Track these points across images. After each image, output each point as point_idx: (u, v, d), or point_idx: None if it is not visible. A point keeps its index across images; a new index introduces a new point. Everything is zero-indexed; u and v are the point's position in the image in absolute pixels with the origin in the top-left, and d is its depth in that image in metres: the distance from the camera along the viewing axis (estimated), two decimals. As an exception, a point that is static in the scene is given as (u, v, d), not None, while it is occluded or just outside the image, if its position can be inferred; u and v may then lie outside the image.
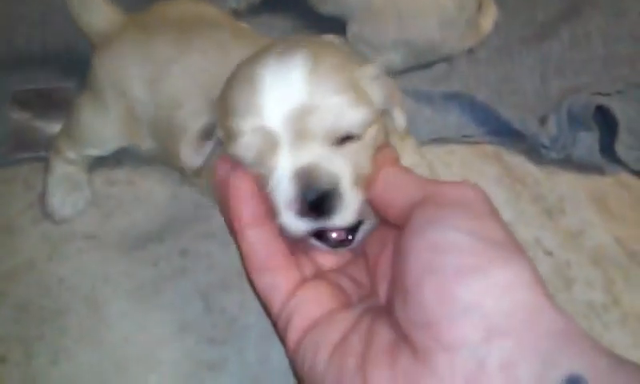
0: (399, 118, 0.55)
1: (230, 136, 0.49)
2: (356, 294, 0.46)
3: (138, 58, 0.85)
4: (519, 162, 1.01)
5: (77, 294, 0.86)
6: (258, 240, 0.44)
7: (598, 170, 0.99)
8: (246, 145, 0.48)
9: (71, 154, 0.93)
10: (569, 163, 1.00)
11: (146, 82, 0.84)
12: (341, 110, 0.47)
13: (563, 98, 1.01)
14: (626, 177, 1.00)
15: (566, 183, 0.99)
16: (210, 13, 0.92)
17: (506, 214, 0.95)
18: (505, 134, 1.02)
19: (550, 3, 1.21)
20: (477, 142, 1.03)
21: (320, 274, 0.47)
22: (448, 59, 1.11)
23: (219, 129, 0.53)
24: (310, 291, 0.44)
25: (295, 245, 0.48)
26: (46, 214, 0.93)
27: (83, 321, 0.84)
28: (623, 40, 1.13)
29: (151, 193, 0.95)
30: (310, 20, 1.16)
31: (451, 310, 0.33)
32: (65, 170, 0.93)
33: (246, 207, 0.45)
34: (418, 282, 0.35)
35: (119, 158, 0.97)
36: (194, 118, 0.79)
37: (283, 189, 0.47)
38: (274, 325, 0.45)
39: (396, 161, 0.48)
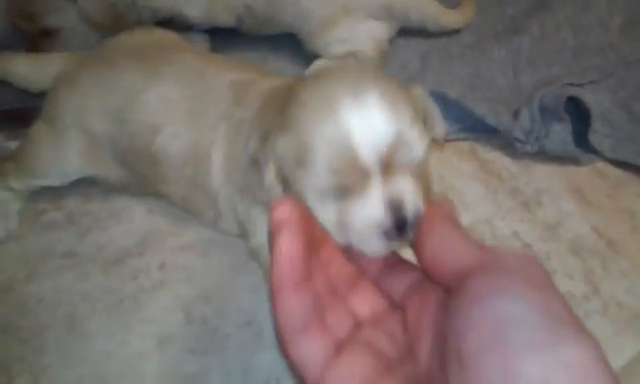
0: (441, 127, 0.64)
1: (308, 170, 0.55)
2: (394, 351, 0.44)
3: (101, 91, 0.85)
4: (495, 157, 1.02)
5: (56, 312, 0.85)
6: (295, 306, 0.42)
7: (574, 161, 1.00)
8: (329, 179, 0.54)
9: (15, 184, 0.92)
10: (544, 156, 1.00)
11: (113, 114, 0.84)
12: (417, 142, 0.54)
13: (536, 91, 1.02)
14: (601, 165, 1.01)
15: (542, 176, 0.99)
16: (167, 39, 0.92)
17: (484, 210, 0.95)
18: (479, 130, 1.02)
19: (520, -1, 1.22)
20: (451, 139, 1.03)
21: (355, 334, 0.45)
22: (422, 57, 1.12)
23: (287, 159, 0.58)
24: (345, 363, 0.41)
25: (328, 298, 0.47)
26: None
27: (63, 339, 0.83)
28: (593, 30, 1.14)
29: (127, 208, 0.95)
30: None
31: None
32: (1, 196, 0.93)
33: (287, 270, 0.42)
34: (478, 354, 0.33)
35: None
36: (174, 140, 0.82)
37: (376, 214, 0.53)
38: None
39: (448, 217, 0.46)
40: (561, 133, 0.98)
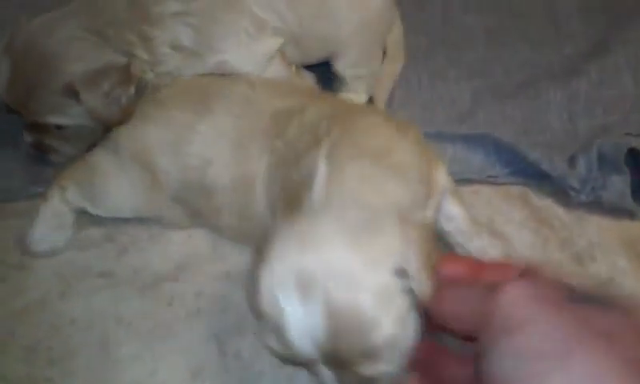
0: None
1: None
2: None
3: (160, 127, 0.86)
4: (546, 205, 0.97)
5: (88, 334, 0.83)
6: None
7: (629, 215, 0.95)
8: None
9: (73, 200, 0.90)
10: (598, 207, 0.96)
11: (170, 146, 0.85)
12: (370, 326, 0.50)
13: (593, 138, 0.97)
14: (658, 221, 0.96)
15: (595, 228, 0.95)
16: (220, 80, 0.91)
17: (534, 259, 0.91)
18: (531, 175, 0.98)
19: (577, 38, 1.18)
20: (502, 183, 0.99)
21: None
22: (473, 94, 1.08)
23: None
24: None
25: None
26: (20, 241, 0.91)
27: (93, 363, 0.81)
28: (654, 77, 1.09)
29: (167, 231, 0.92)
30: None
31: None
32: (59, 208, 0.90)
33: None
34: None
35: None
36: (225, 171, 0.81)
37: None
38: None
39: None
40: (618, 184, 0.93)
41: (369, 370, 0.50)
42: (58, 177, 0.91)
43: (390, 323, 0.49)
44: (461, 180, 0.98)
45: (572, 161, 0.96)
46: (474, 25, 1.20)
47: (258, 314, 0.54)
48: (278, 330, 0.51)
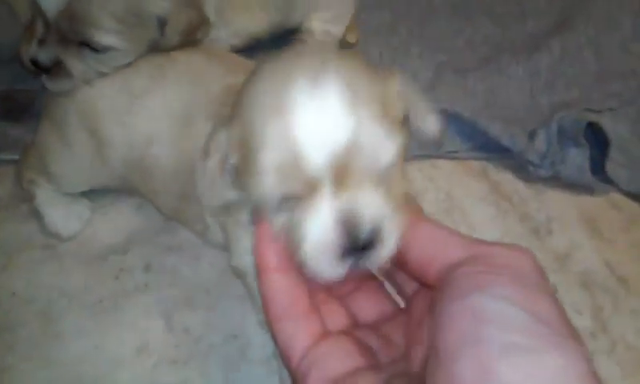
0: (433, 122, 0.52)
1: (252, 171, 0.44)
2: (386, 355, 0.41)
3: (114, 89, 0.79)
4: (506, 179, 0.96)
5: (30, 308, 0.80)
6: (282, 286, 0.41)
7: (588, 190, 0.95)
8: (275, 186, 0.43)
9: (46, 186, 0.86)
10: (558, 182, 0.95)
11: (117, 116, 0.79)
12: (383, 145, 0.43)
13: (553, 113, 0.97)
14: (617, 197, 0.95)
15: (554, 202, 0.94)
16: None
17: (491, 233, 0.90)
18: (492, 149, 0.97)
19: (540, 15, 1.17)
20: (462, 158, 0.98)
21: (346, 331, 0.42)
22: (436, 68, 1.07)
23: (232, 154, 0.48)
24: (331, 346, 0.39)
25: (325, 295, 0.44)
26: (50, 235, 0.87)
27: (35, 337, 0.78)
28: (615, 54, 1.09)
29: (116, 202, 0.89)
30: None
31: None
32: (49, 192, 0.87)
33: (271, 250, 0.41)
34: (454, 351, 0.31)
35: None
36: (168, 152, 0.75)
37: (324, 233, 0.43)
38: (292, 380, 0.40)
39: (421, 214, 0.43)
40: (577, 159, 0.93)
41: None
42: (19, 175, 0.88)
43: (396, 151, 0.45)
44: (421, 155, 0.97)
45: (532, 135, 0.95)
46: (438, 1, 1.19)
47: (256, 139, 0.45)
48: (286, 143, 0.43)
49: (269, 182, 0.43)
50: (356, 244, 0.43)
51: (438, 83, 1.05)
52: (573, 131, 0.93)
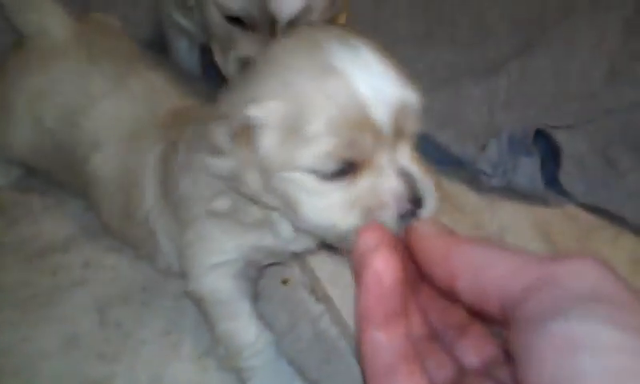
0: None
1: (306, 139, 0.46)
2: None
3: (73, 83, 0.79)
4: (459, 191, 0.95)
5: (-39, 299, 0.79)
6: (386, 343, 0.36)
7: (543, 201, 0.93)
8: (337, 147, 0.46)
9: None
10: (512, 192, 0.94)
11: (67, 114, 0.78)
12: (419, 109, 0.48)
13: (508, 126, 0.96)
14: (572, 209, 0.93)
15: (507, 212, 0.92)
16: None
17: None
18: (445, 162, 0.97)
19: (502, 43, 1.19)
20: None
21: (455, 381, 0.38)
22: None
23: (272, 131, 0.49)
24: None
25: (428, 344, 0.40)
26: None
27: (-39, 328, 0.76)
28: (574, 78, 1.10)
29: (63, 202, 0.89)
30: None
31: None
32: None
33: (378, 304, 0.36)
34: None
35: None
36: (109, 161, 0.75)
37: (392, 185, 0.46)
38: None
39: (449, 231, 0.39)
40: (528, 167, 0.92)
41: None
42: None
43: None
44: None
45: (484, 147, 0.95)
46: (402, 30, 1.22)
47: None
48: (349, 100, 0.45)
49: (327, 143, 0.45)
50: (416, 197, 0.46)
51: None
52: (522, 138, 0.92)
